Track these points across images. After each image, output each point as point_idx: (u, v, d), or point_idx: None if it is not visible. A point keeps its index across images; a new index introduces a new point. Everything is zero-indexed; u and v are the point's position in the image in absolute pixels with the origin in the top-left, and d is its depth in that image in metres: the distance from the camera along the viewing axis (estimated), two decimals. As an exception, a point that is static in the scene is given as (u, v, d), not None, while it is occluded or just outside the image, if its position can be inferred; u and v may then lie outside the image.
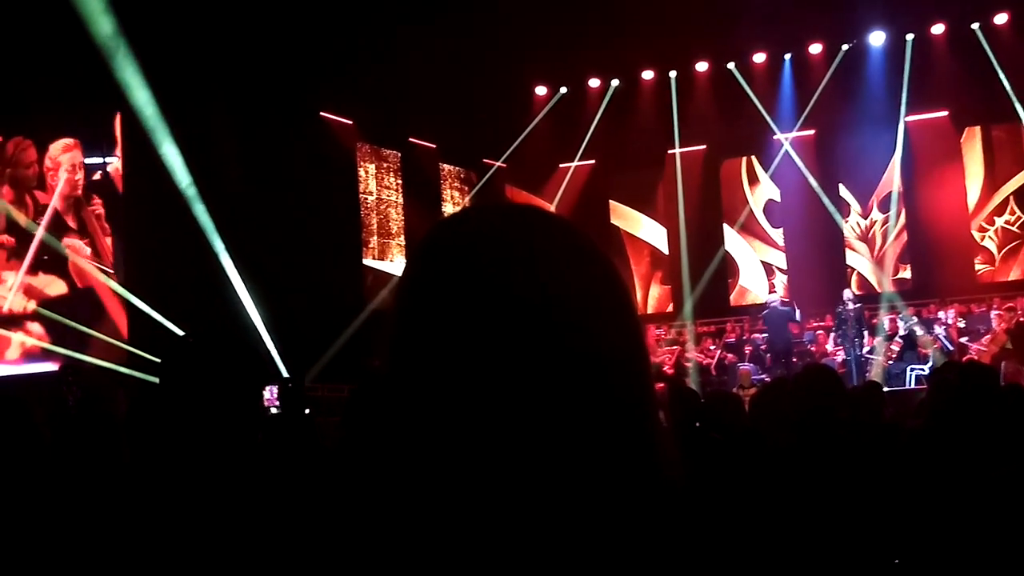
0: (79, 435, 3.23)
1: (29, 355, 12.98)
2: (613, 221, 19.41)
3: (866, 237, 18.25)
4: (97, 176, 13.63)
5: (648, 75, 18.72)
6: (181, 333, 9.29)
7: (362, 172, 16.86)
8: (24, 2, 11.83)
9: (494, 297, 0.84)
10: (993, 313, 14.73)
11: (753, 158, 18.92)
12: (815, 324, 16.44)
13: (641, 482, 0.86)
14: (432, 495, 0.84)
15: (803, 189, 18.11)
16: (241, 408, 2.05)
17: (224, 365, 2.06)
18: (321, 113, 15.79)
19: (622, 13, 15.45)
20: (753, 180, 18.96)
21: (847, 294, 15.39)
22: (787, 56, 18.13)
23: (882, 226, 18.09)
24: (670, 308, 18.81)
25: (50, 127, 13.50)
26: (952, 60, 17.14)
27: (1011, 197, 17.49)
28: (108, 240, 13.48)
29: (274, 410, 9.54)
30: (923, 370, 14.06)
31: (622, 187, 19.50)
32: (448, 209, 18.21)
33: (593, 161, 19.19)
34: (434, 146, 17.97)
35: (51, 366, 12.11)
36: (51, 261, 13.30)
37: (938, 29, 17.26)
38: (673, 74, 18.42)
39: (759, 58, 18.16)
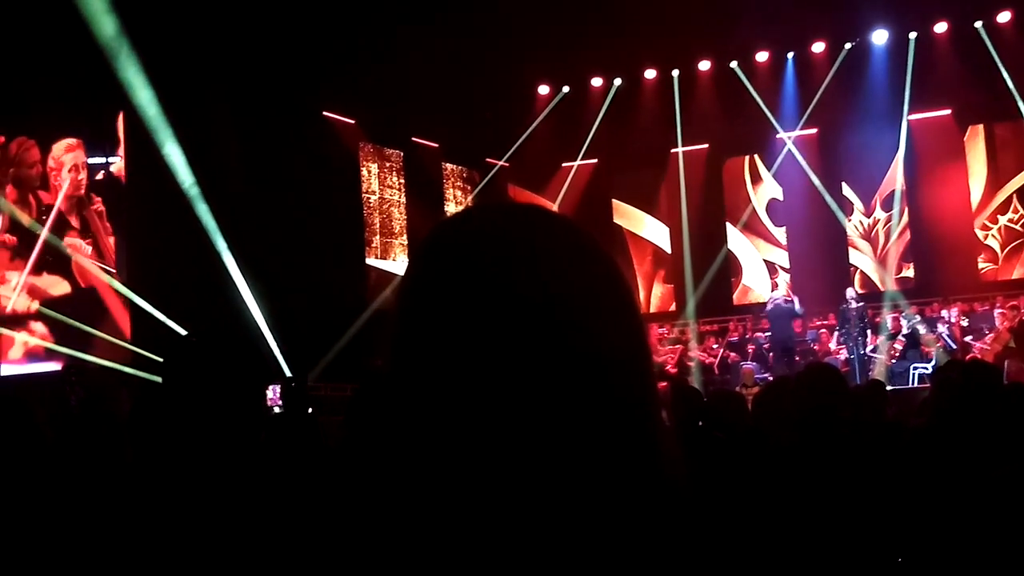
0: (82, 435, 3.24)
1: (32, 355, 13.00)
2: (616, 220, 19.41)
3: (869, 236, 18.24)
4: (100, 176, 13.65)
5: (650, 74, 18.71)
6: (184, 332, 9.29)
7: (365, 171, 16.87)
8: (27, 2, 11.84)
9: (497, 296, 0.84)
10: (996, 312, 14.72)
11: (756, 157, 18.91)
12: (818, 323, 16.44)
13: (644, 481, 0.85)
14: (435, 494, 0.84)
15: (806, 188, 18.10)
16: (244, 407, 2.05)
17: (227, 364, 2.06)
18: (324, 113, 15.80)
19: (624, 12, 15.44)
20: (756, 179, 18.96)
21: (850, 293, 15.37)
22: (790, 55, 18.12)
23: (885, 225, 18.07)
24: (673, 307, 18.82)
25: (53, 127, 13.52)
26: (955, 58, 17.12)
27: (1014, 195, 17.47)
28: (111, 240, 13.50)
29: (277, 409, 9.55)
30: (926, 369, 14.06)
31: (625, 186, 19.50)
32: (451, 208, 18.22)
33: (596, 160, 19.19)
34: (437, 145, 17.98)
35: (54, 366, 12.15)
36: (54, 261, 13.32)
37: (941, 27, 17.24)
38: (675, 73, 18.41)
39: (762, 57, 18.15)
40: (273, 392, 10.19)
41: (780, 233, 18.74)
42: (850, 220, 18.23)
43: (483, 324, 0.84)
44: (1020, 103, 16.53)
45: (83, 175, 13.59)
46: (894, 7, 16.84)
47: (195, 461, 1.97)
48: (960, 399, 3.69)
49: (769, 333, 15.68)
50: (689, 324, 17.17)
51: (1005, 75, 16.53)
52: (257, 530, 1.88)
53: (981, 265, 17.54)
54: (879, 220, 18.15)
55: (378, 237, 16.93)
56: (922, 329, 15.00)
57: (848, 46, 17.57)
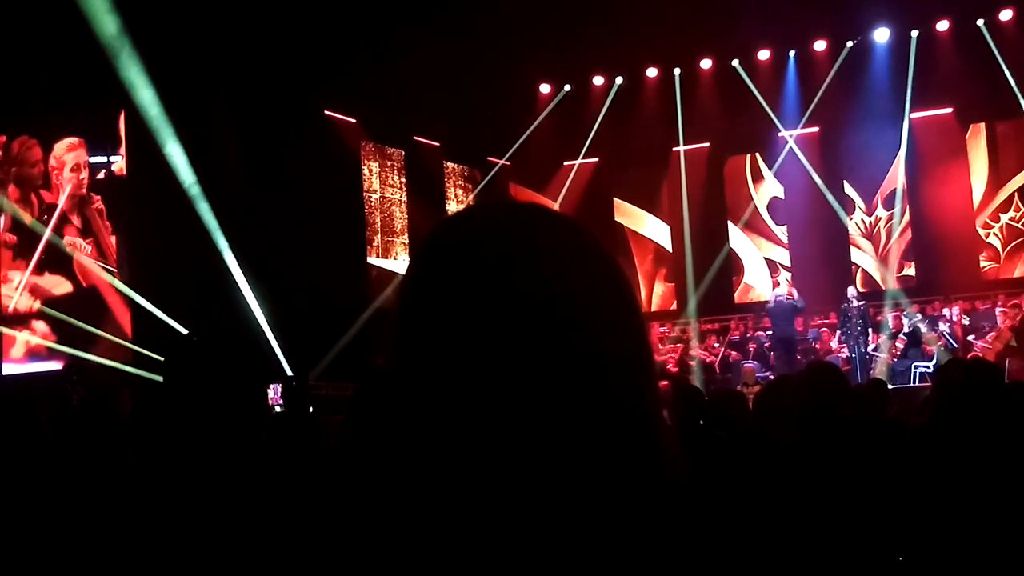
0: (83, 434, 3.24)
1: (34, 354, 13.01)
2: (617, 219, 19.40)
3: (870, 234, 18.23)
4: (101, 175, 13.65)
5: (652, 72, 18.70)
6: (185, 332, 9.30)
7: (366, 170, 16.87)
8: (28, 2, 11.85)
9: (498, 295, 0.84)
10: (998, 310, 14.71)
11: (757, 155, 18.91)
12: (819, 321, 16.44)
13: (645, 480, 0.86)
14: (436, 493, 0.84)
15: (807, 186, 18.09)
16: (245, 406, 2.05)
17: (228, 363, 2.06)
18: (325, 111, 15.79)
19: (626, 10, 15.44)
20: (757, 177, 18.95)
21: (851, 291, 15.37)
22: (791, 53, 18.11)
23: (886, 223, 18.06)
24: (674, 306, 18.81)
25: (54, 126, 13.53)
26: (957, 57, 17.11)
27: (1016, 194, 17.46)
28: (112, 239, 13.51)
29: (278, 408, 9.56)
30: (927, 367, 14.05)
31: (626, 185, 19.49)
32: (452, 207, 18.22)
33: (597, 159, 19.19)
34: (438, 144, 17.98)
35: (56, 365, 12.16)
36: (57, 260, 13.33)
37: (943, 26, 17.22)
38: (677, 71, 18.40)
39: (763, 55, 18.14)
40: (274, 391, 10.21)
41: (781, 232, 18.73)
42: (851, 218, 18.22)
43: (484, 323, 0.84)
44: (1022, 101, 16.52)
45: (84, 174, 13.60)
46: (896, 5, 16.83)
47: (196, 460, 1.98)
48: (961, 398, 3.69)
49: (771, 332, 15.67)
50: (690, 323, 17.17)
51: (1007, 73, 16.51)
52: (258, 529, 1.88)
53: (983, 263, 17.53)
54: (880, 218, 18.14)
55: (379, 236, 16.94)
56: (923, 328, 15.00)
57: (850, 44, 17.56)
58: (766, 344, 15.87)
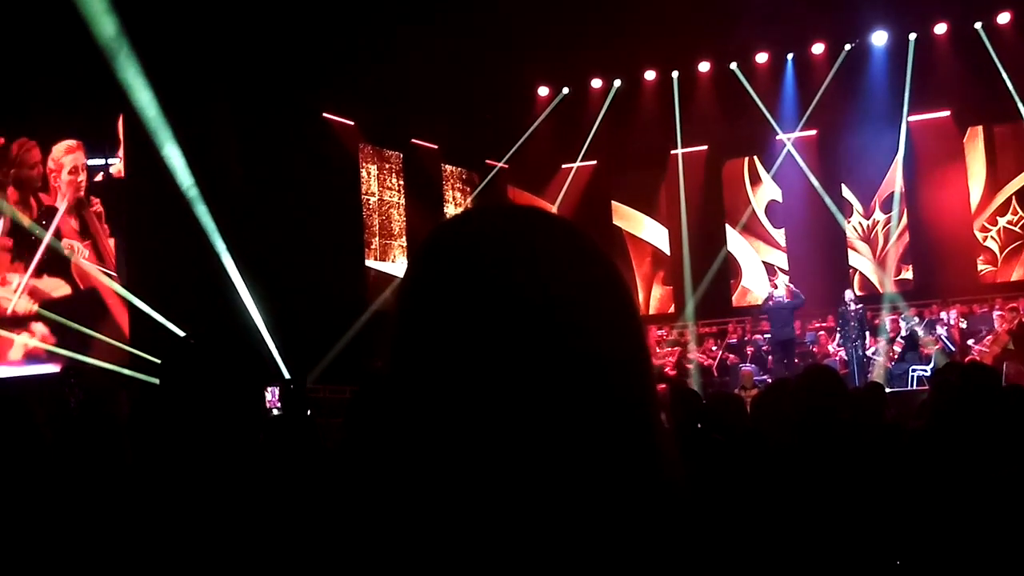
0: (81, 437, 3.23)
1: (31, 356, 13.00)
2: (615, 222, 19.41)
3: (868, 237, 18.25)
4: (99, 177, 13.65)
5: (650, 75, 18.71)
6: (183, 334, 9.29)
7: (364, 173, 16.87)
8: (27, 4, 11.85)
9: (496, 298, 0.84)
10: (995, 314, 14.71)
11: (755, 158, 18.92)
12: (817, 325, 16.44)
13: (643, 483, 0.86)
14: (434, 496, 0.84)
15: (805, 189, 18.11)
16: (242, 409, 2.05)
17: (225, 366, 2.06)
18: (323, 114, 15.80)
19: (624, 13, 15.45)
20: (755, 180, 18.96)
21: (848, 295, 15.37)
22: (789, 56, 18.13)
23: (884, 226, 18.08)
24: (672, 309, 18.82)
25: (53, 128, 13.53)
26: (955, 60, 17.13)
27: (1013, 197, 17.48)
28: (110, 241, 13.50)
29: (276, 411, 9.55)
30: (925, 371, 14.05)
31: (624, 188, 19.51)
32: (450, 210, 18.22)
33: (595, 162, 19.20)
34: (436, 147, 17.98)
35: (54, 367, 12.14)
36: (55, 263, 13.32)
37: (941, 29, 17.25)
38: (675, 74, 18.42)
39: (761, 58, 18.16)
40: (272, 394, 10.19)
41: (779, 235, 18.75)
42: (849, 222, 18.24)
43: (483, 326, 0.84)
44: (1020, 104, 16.54)
45: (83, 177, 13.59)
46: (894, 8, 16.84)
47: (194, 463, 1.97)
48: (959, 401, 3.69)
49: (769, 335, 15.68)
50: (688, 326, 17.17)
51: (1005, 76, 16.53)
52: (256, 532, 1.88)
53: (980, 267, 17.54)
54: (878, 222, 18.16)
55: (377, 239, 16.94)
56: (921, 331, 15.01)
57: (848, 47, 17.58)
58: (764, 347, 15.87)
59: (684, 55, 17.88)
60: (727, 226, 18.88)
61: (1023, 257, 17.36)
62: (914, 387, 13.81)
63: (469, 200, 18.70)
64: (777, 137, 18.30)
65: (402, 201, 17.46)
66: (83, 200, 13.56)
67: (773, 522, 3.49)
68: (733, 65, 18.11)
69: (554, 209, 15.55)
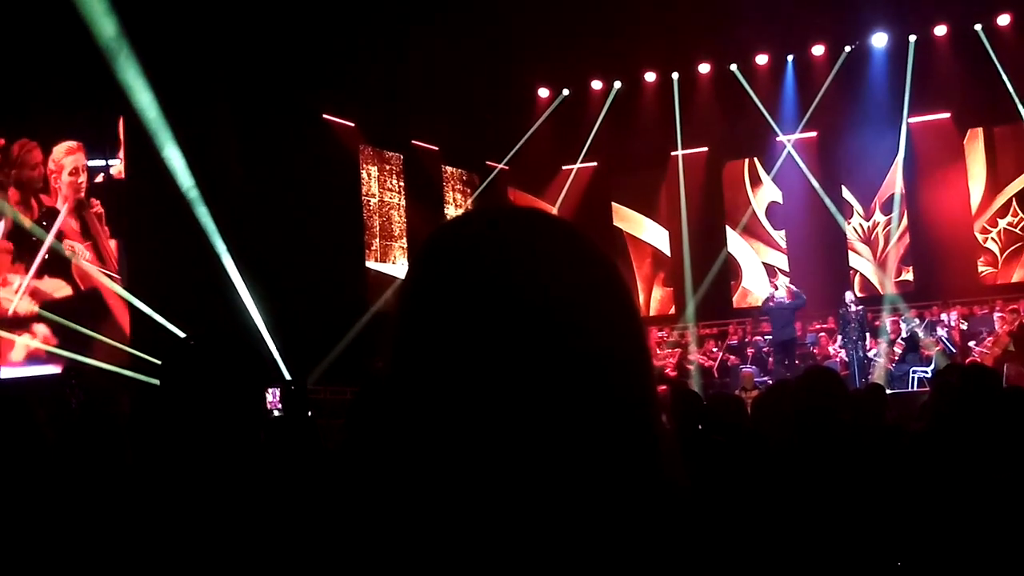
0: (82, 437, 3.24)
1: (33, 357, 13.00)
2: (615, 223, 19.41)
3: (868, 239, 18.25)
4: (100, 178, 13.65)
5: (650, 77, 18.72)
6: (183, 335, 9.29)
7: (364, 174, 16.87)
8: (27, 5, 11.85)
9: (496, 300, 0.85)
10: (996, 315, 14.71)
11: (755, 160, 18.92)
12: (817, 326, 16.43)
13: (643, 484, 0.86)
14: (435, 497, 0.85)
15: (805, 191, 18.11)
16: (243, 410, 2.05)
17: (226, 367, 2.06)
18: (323, 115, 15.79)
19: (624, 15, 15.45)
20: (755, 182, 18.96)
21: (849, 296, 15.37)
22: (789, 57, 18.13)
23: (884, 228, 18.08)
24: (672, 310, 18.82)
25: (53, 130, 13.53)
26: (955, 61, 17.13)
27: (1014, 199, 17.48)
28: (111, 243, 13.50)
29: (276, 412, 9.54)
30: (926, 372, 14.05)
31: (624, 189, 19.51)
32: (450, 211, 18.23)
33: (595, 163, 19.21)
34: (436, 148, 17.98)
35: (55, 368, 12.14)
36: (56, 264, 13.32)
37: (941, 30, 17.25)
38: (675, 76, 18.42)
39: (761, 59, 18.15)
40: (273, 395, 10.18)
41: (780, 236, 18.75)
42: (850, 223, 18.24)
43: (483, 327, 0.84)
44: (1020, 106, 16.54)
45: (83, 178, 13.59)
46: (894, 10, 16.84)
47: (195, 464, 1.98)
48: (959, 403, 3.69)
49: (769, 336, 15.68)
50: (688, 327, 17.17)
51: (1005, 78, 16.54)
52: (256, 533, 1.88)
53: (981, 268, 17.54)
54: (879, 223, 18.16)
55: (378, 240, 16.94)
56: (921, 333, 15.01)
57: (848, 49, 17.58)
58: (764, 348, 15.87)
59: (684, 56, 17.88)
60: (727, 227, 18.88)
61: (1023, 259, 17.36)
62: (915, 389, 13.81)
63: (469, 201, 18.70)
64: (777, 138, 18.30)
65: (402, 202, 17.46)
66: (83, 201, 13.56)
67: (774, 523, 3.49)
68: (733, 66, 18.11)
69: (554, 210, 15.54)
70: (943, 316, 15.33)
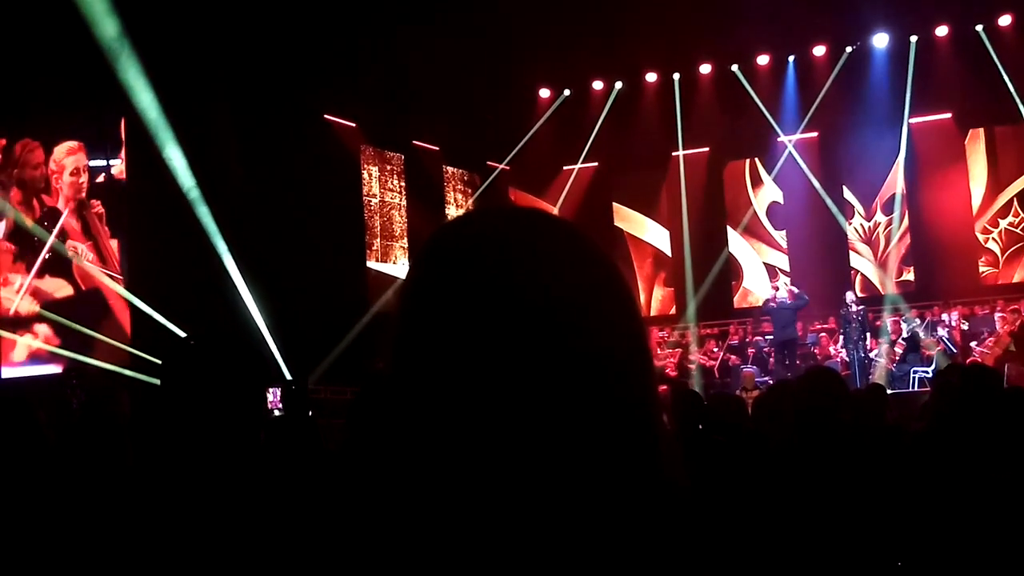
0: (83, 437, 3.24)
1: (34, 357, 13.00)
2: (616, 223, 19.41)
3: (870, 239, 18.24)
4: (101, 178, 13.65)
5: (651, 77, 18.71)
6: (184, 335, 9.29)
7: (365, 174, 16.88)
8: (29, 5, 11.86)
9: (497, 300, 0.85)
10: (997, 315, 14.71)
11: (756, 160, 18.92)
12: (818, 326, 16.43)
13: (644, 484, 0.86)
14: (436, 497, 0.85)
15: (806, 191, 18.11)
16: (244, 410, 2.05)
17: (227, 367, 2.06)
18: (324, 115, 15.80)
19: (625, 15, 15.45)
20: (756, 182, 18.96)
21: (850, 296, 15.37)
22: (791, 58, 18.13)
23: (886, 228, 18.07)
24: (673, 310, 18.82)
25: (55, 130, 13.53)
26: (956, 62, 17.12)
27: (1015, 199, 17.48)
28: (112, 243, 13.51)
29: (277, 412, 9.54)
30: (927, 373, 14.05)
31: (625, 189, 19.51)
32: (451, 211, 18.23)
33: (596, 163, 19.21)
34: (437, 148, 17.99)
35: (56, 368, 12.14)
36: (57, 264, 13.33)
37: (942, 31, 17.25)
38: (676, 76, 18.42)
39: (763, 60, 18.15)
40: (273, 395, 10.18)
41: (780, 236, 18.75)
42: (851, 224, 18.23)
43: (484, 327, 0.84)
44: (1021, 106, 16.54)
45: (84, 178, 13.59)
46: (895, 10, 16.83)
47: (195, 464, 1.98)
48: (960, 403, 3.69)
49: (770, 336, 15.68)
50: (689, 327, 17.17)
51: (1006, 78, 16.54)
52: (257, 533, 1.88)
53: (982, 269, 17.54)
54: (880, 223, 18.16)
55: (379, 240, 16.94)
56: (922, 333, 15.01)
57: (849, 49, 17.57)
58: (765, 348, 15.86)
59: (685, 57, 17.88)
60: (728, 228, 18.88)
61: (1024, 259, 17.37)
62: (915, 389, 13.81)
63: (470, 202, 18.70)
64: (778, 139, 18.30)
65: (403, 202, 17.46)
66: (84, 201, 13.57)
67: (774, 523, 3.49)
68: (734, 67, 18.11)
69: (555, 211, 15.55)
70: (944, 316, 15.33)
